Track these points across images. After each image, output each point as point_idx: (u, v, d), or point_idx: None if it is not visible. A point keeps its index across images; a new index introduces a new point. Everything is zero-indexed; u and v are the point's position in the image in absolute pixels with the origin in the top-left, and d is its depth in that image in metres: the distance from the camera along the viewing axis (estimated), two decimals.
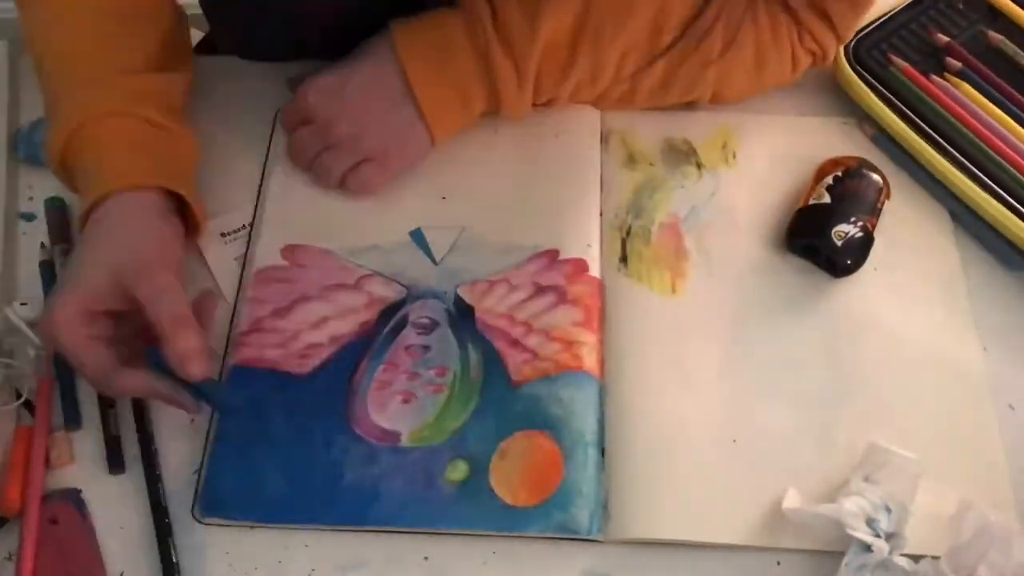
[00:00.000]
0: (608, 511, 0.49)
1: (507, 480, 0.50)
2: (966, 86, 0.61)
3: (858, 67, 0.63)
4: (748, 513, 0.49)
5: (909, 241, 0.59)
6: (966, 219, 0.59)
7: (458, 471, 0.50)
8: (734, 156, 0.63)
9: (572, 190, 0.61)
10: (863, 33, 0.64)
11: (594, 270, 0.57)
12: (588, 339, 0.54)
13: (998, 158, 0.58)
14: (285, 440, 0.51)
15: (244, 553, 0.48)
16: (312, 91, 0.58)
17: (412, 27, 0.57)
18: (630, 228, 0.59)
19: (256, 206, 0.60)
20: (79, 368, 0.49)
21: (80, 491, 0.50)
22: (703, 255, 0.58)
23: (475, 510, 0.49)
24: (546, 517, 0.49)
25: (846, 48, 0.63)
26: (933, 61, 0.63)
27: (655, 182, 0.61)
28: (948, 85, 0.62)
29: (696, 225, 0.59)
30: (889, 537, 0.47)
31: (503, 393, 0.53)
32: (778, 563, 0.49)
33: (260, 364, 0.54)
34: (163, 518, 0.49)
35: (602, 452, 0.51)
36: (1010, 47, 0.63)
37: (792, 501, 0.48)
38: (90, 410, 0.53)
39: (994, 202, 0.57)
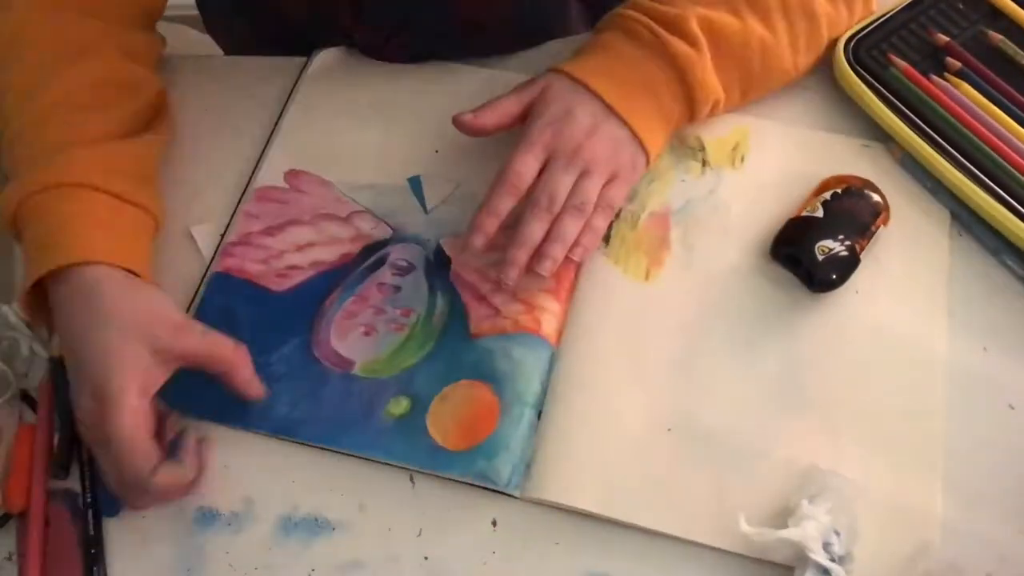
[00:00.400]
0: (530, 470, 0.50)
1: (442, 422, 0.52)
2: (966, 86, 0.60)
3: (858, 67, 0.62)
4: (667, 500, 0.50)
5: (899, 272, 0.58)
6: (964, 219, 0.59)
7: (399, 407, 0.52)
8: (743, 159, 0.62)
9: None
10: (863, 33, 0.63)
11: None
12: (552, 307, 0.55)
13: (998, 158, 0.58)
14: (250, 348, 0.54)
15: (244, 553, 0.49)
16: (539, 129, 0.55)
17: (578, 61, 0.58)
18: (620, 211, 0.60)
19: (272, 131, 0.63)
20: (125, 464, 0.46)
21: (78, 494, 0.50)
22: (685, 249, 0.58)
23: (406, 445, 0.51)
24: (470, 463, 0.50)
25: (846, 48, 0.62)
26: (933, 61, 0.62)
27: (656, 171, 0.61)
28: (948, 85, 0.61)
29: (686, 219, 0.59)
30: (841, 560, 0.47)
31: (459, 343, 0.54)
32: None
33: (240, 274, 0.57)
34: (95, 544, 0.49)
35: (539, 416, 0.52)
36: (1010, 47, 0.62)
37: (743, 527, 0.48)
38: None
39: (994, 202, 0.56)
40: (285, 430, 0.52)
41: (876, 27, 0.64)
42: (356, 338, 0.55)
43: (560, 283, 0.56)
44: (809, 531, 0.47)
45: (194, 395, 0.52)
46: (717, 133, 0.63)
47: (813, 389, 0.54)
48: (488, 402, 0.52)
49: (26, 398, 0.54)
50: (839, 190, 0.58)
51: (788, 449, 0.51)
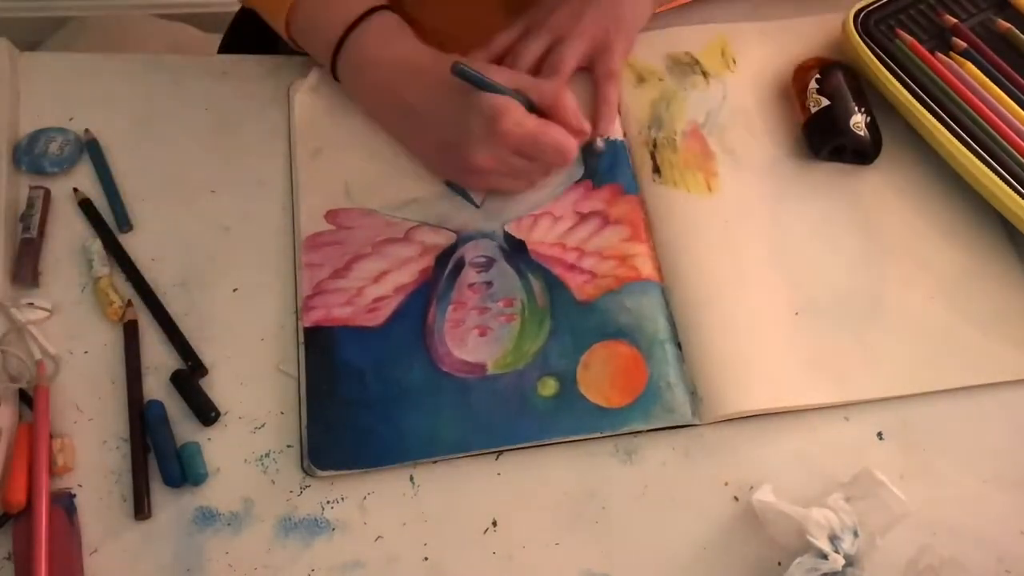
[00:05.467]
0: (698, 396, 0.52)
1: (596, 386, 0.52)
2: (970, 65, 0.61)
3: (865, 38, 0.63)
4: (824, 374, 0.53)
5: None
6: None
7: (548, 387, 0.53)
8: (734, 61, 0.66)
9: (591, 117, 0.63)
10: (873, 7, 0.64)
11: (630, 190, 0.59)
12: (640, 250, 0.57)
13: (996, 135, 0.58)
14: (377, 388, 0.53)
15: (244, 553, 0.48)
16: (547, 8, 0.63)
17: None
18: (655, 140, 0.61)
19: (291, 181, 0.61)
20: (545, 139, 0.55)
21: (74, 495, 0.50)
22: (729, 154, 0.61)
23: (574, 418, 0.52)
24: (643, 412, 0.51)
25: (855, 19, 0.63)
26: (939, 41, 0.63)
27: (668, 95, 0.64)
28: (952, 63, 0.61)
29: (715, 128, 0.62)
30: (847, 558, 0.46)
31: (572, 312, 0.55)
32: (779, 563, 0.48)
33: (332, 322, 0.55)
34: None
35: (679, 347, 0.54)
36: (1018, 36, 0.63)
37: (765, 494, 0.48)
38: (79, 417, 0.53)
39: (991, 175, 0.57)
40: (457, 449, 0.51)
41: (886, 3, 0.64)
42: (474, 341, 0.55)
43: (636, 227, 0.58)
44: (814, 516, 0.46)
45: (350, 451, 0.51)
46: (700, 45, 0.66)
47: (889, 238, 0.58)
48: (629, 354, 0.53)
49: (26, 397, 0.52)
50: (817, 75, 0.61)
51: (896, 294, 0.56)
